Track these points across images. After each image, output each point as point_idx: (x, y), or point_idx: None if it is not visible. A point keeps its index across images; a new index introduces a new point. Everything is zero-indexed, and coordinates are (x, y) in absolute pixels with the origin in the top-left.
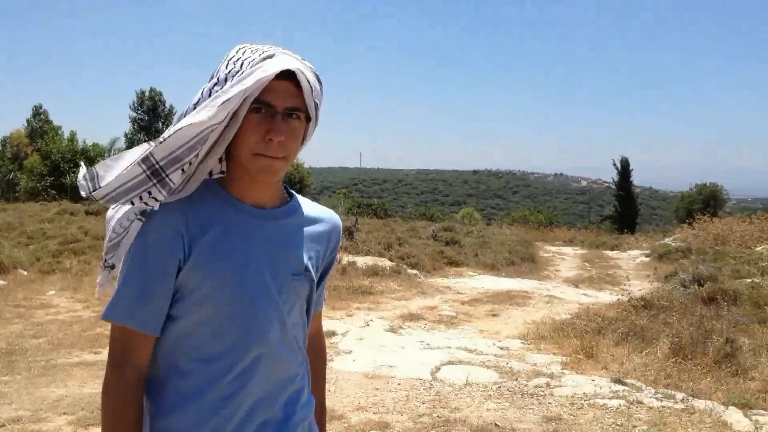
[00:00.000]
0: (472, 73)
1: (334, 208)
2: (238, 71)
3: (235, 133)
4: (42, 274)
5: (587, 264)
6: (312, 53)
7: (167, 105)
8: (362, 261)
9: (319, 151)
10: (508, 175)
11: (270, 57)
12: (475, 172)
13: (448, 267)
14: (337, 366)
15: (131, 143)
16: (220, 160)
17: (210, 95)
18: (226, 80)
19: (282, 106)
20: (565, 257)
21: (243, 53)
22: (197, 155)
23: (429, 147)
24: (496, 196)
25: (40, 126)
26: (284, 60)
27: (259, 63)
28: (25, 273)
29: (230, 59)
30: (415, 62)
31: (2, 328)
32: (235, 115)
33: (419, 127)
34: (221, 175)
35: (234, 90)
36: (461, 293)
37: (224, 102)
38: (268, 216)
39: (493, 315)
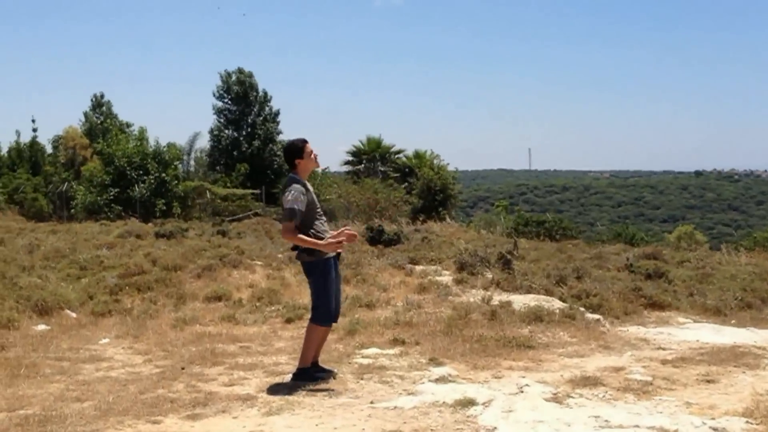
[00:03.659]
0: (689, 38)
1: (489, 226)
2: None
3: None
4: (95, 317)
5: None
6: (472, 19)
7: (260, 90)
8: (521, 301)
9: (473, 148)
10: (750, 178)
11: None
12: (698, 173)
13: (648, 311)
14: None
15: (217, 141)
16: None
17: None
18: None
19: None
20: None
21: None
22: None
23: (628, 140)
24: (731, 208)
25: (101, 122)
26: None
27: None
28: (74, 315)
29: None
30: (608, 29)
31: (39, 388)
32: None
33: (613, 113)
34: None
35: None
36: (663, 348)
37: None
38: None
39: (708, 381)
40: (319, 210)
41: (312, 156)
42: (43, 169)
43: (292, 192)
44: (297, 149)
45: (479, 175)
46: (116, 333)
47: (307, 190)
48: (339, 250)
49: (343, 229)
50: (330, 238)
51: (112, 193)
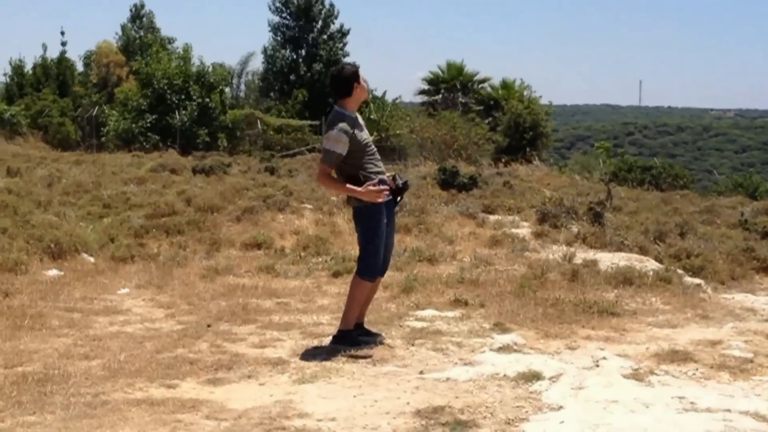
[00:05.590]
0: None
1: (586, 171)
2: None
3: None
4: (114, 262)
5: None
6: None
7: (326, 3)
8: (609, 260)
9: (571, 80)
10: None
11: None
12: None
13: (760, 275)
14: (534, 430)
15: (272, 62)
16: None
17: None
18: None
19: None
20: None
21: None
22: None
23: (759, 74)
24: None
25: (140, 36)
26: None
27: None
28: (92, 259)
29: None
30: None
31: (43, 342)
32: None
33: (741, 42)
34: None
35: None
36: None
37: None
38: None
39: None
40: (370, 148)
41: (363, 83)
42: (72, 89)
43: (336, 131)
44: (353, 74)
45: (579, 110)
46: (137, 282)
47: (356, 125)
48: (380, 200)
49: (386, 178)
50: (369, 184)
51: (148, 120)
